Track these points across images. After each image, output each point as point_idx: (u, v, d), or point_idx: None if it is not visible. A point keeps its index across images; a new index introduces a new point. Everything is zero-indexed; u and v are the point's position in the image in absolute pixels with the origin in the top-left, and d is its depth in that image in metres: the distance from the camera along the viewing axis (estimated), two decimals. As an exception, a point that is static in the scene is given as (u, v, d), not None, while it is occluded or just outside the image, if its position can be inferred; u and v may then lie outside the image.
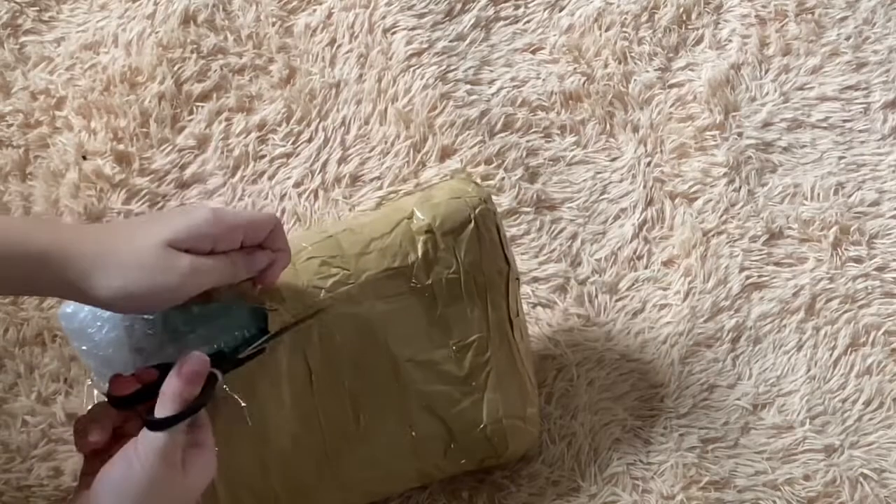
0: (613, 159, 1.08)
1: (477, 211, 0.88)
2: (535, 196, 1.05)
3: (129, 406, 0.73)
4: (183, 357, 0.72)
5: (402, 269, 0.86)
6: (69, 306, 0.78)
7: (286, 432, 0.83)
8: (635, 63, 1.11)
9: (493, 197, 1.04)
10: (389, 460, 0.88)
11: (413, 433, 0.88)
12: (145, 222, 0.75)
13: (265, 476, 0.84)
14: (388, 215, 0.89)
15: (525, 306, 0.96)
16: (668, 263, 1.04)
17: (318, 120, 1.06)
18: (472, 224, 0.87)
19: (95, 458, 0.72)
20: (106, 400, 0.73)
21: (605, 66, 1.11)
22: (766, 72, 1.12)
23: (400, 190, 1.04)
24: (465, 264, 0.87)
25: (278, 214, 1.02)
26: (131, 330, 0.77)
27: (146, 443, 0.69)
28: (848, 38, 1.14)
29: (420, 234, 0.87)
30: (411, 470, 0.90)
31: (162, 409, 0.70)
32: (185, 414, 0.70)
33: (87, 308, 0.77)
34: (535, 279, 1.02)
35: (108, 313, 0.77)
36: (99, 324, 0.77)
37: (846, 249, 1.05)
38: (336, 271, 0.85)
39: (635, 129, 1.09)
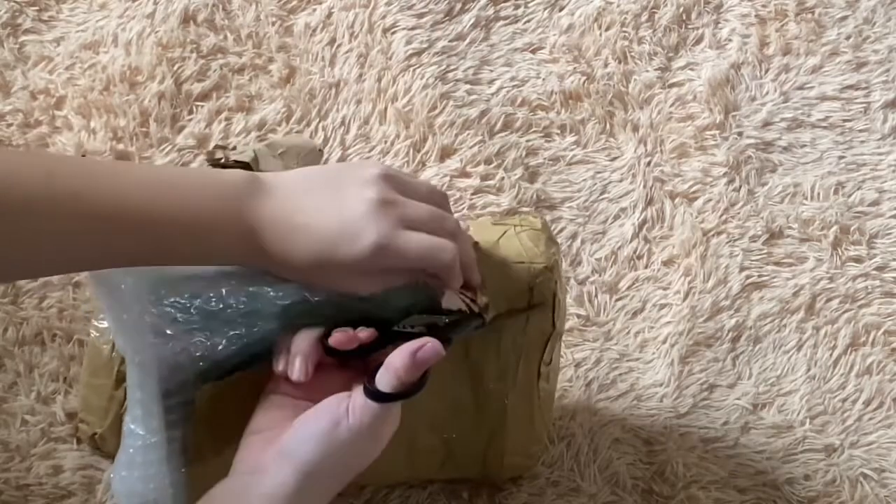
0: (613, 159, 1.08)
1: (537, 281, 0.80)
2: (534, 196, 1.05)
3: (340, 357, 0.70)
4: (422, 340, 0.67)
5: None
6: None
7: None
8: (635, 63, 1.11)
9: (492, 197, 1.04)
10: (382, 462, 0.87)
11: (412, 446, 0.86)
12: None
13: None
14: None
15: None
16: (668, 263, 1.04)
17: (317, 120, 1.06)
18: (527, 297, 0.81)
19: (284, 382, 0.70)
20: (305, 332, 0.71)
21: (605, 65, 1.11)
22: (766, 71, 1.12)
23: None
24: (505, 327, 0.82)
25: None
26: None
27: (361, 410, 0.66)
28: (848, 38, 1.14)
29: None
30: (400, 473, 0.89)
31: (384, 382, 0.66)
32: (408, 394, 0.66)
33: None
34: (535, 279, 1.02)
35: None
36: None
37: (846, 249, 1.05)
38: None
39: (635, 129, 1.09)
